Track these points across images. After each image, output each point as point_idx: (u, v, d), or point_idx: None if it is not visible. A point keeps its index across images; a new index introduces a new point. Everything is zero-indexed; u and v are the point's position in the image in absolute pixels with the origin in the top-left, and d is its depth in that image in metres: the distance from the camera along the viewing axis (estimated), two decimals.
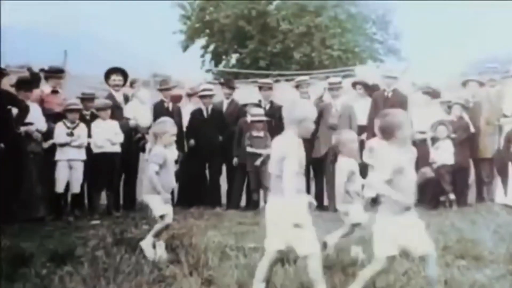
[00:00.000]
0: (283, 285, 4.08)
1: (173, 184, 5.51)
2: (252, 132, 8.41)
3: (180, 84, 9.89)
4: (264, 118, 8.44)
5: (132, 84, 8.86)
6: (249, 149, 8.37)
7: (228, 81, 10.01)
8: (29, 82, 7.63)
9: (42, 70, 8.26)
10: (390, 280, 4.15)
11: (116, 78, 8.60)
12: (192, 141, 8.73)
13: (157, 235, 5.15)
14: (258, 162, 8.32)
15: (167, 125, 5.42)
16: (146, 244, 5.06)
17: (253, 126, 8.42)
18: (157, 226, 5.15)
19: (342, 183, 5.11)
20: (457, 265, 4.71)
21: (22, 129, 7.28)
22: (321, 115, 8.52)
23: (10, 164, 6.84)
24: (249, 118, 8.52)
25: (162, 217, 5.14)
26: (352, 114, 8.50)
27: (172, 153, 5.40)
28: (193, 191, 8.67)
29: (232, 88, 9.33)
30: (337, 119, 8.37)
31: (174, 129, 5.39)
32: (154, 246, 5.09)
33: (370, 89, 9.02)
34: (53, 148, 7.71)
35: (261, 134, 8.42)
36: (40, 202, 7.36)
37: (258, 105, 8.85)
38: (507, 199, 7.77)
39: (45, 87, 8.23)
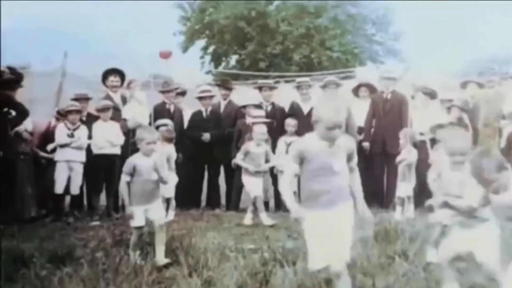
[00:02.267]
0: (282, 286, 4.08)
1: (148, 194, 5.03)
2: (253, 134, 8.37)
3: (180, 86, 9.86)
4: (265, 120, 8.41)
5: (129, 85, 8.87)
6: None
7: (225, 82, 9.98)
8: (12, 82, 7.57)
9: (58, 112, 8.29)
10: (389, 281, 4.16)
11: (114, 80, 8.63)
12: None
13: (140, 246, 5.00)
14: None
15: (145, 132, 5.14)
16: (132, 255, 4.93)
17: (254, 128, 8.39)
18: (132, 240, 5.02)
19: (429, 179, 4.97)
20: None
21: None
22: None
23: (2, 165, 6.84)
24: (250, 120, 8.49)
25: (139, 228, 5.01)
26: (349, 114, 8.45)
27: (148, 161, 5.04)
28: (192, 193, 8.68)
29: (229, 89, 9.30)
30: None
31: (151, 137, 5.07)
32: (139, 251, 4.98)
33: (375, 90, 8.99)
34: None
35: None
36: (31, 202, 7.38)
37: (259, 106, 8.82)
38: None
39: (53, 120, 8.28)
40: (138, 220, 4.97)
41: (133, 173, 4.97)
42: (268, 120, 8.37)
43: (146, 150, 5.02)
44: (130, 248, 4.99)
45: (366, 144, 8.53)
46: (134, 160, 5.03)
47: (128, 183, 4.96)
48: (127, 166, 4.99)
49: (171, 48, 9.03)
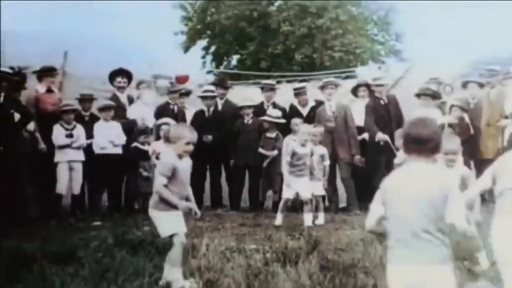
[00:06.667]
0: (284, 286, 4.08)
1: None
2: (267, 134, 8.44)
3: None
4: (280, 121, 8.41)
5: (138, 85, 8.88)
6: (260, 150, 8.41)
7: (222, 81, 9.96)
8: (16, 83, 7.52)
9: (35, 72, 8.22)
10: None
11: (121, 80, 8.64)
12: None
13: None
14: (264, 164, 8.38)
15: (184, 131, 4.67)
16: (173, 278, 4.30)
17: (265, 127, 8.46)
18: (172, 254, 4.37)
19: None
20: (457, 265, 4.70)
21: None
22: (318, 119, 8.51)
23: (3, 165, 6.84)
24: (267, 119, 8.53)
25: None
26: (348, 115, 8.47)
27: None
28: (194, 193, 8.65)
29: (226, 88, 9.28)
30: (333, 122, 8.36)
31: (192, 136, 4.65)
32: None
33: (374, 90, 8.98)
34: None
35: (273, 135, 8.43)
36: (32, 202, 7.39)
37: (276, 107, 8.82)
38: None
39: (39, 87, 8.17)
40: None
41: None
42: (282, 121, 8.41)
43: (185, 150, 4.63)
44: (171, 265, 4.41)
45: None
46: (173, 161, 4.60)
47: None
48: (166, 168, 4.58)
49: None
